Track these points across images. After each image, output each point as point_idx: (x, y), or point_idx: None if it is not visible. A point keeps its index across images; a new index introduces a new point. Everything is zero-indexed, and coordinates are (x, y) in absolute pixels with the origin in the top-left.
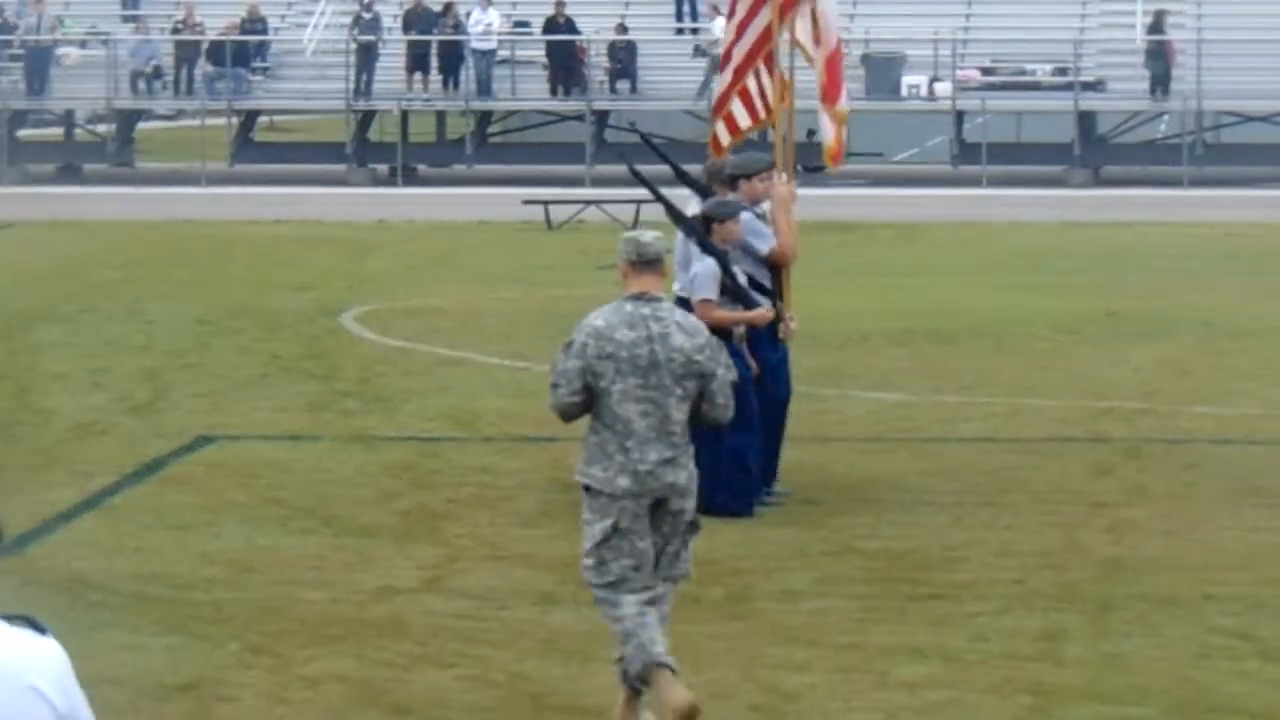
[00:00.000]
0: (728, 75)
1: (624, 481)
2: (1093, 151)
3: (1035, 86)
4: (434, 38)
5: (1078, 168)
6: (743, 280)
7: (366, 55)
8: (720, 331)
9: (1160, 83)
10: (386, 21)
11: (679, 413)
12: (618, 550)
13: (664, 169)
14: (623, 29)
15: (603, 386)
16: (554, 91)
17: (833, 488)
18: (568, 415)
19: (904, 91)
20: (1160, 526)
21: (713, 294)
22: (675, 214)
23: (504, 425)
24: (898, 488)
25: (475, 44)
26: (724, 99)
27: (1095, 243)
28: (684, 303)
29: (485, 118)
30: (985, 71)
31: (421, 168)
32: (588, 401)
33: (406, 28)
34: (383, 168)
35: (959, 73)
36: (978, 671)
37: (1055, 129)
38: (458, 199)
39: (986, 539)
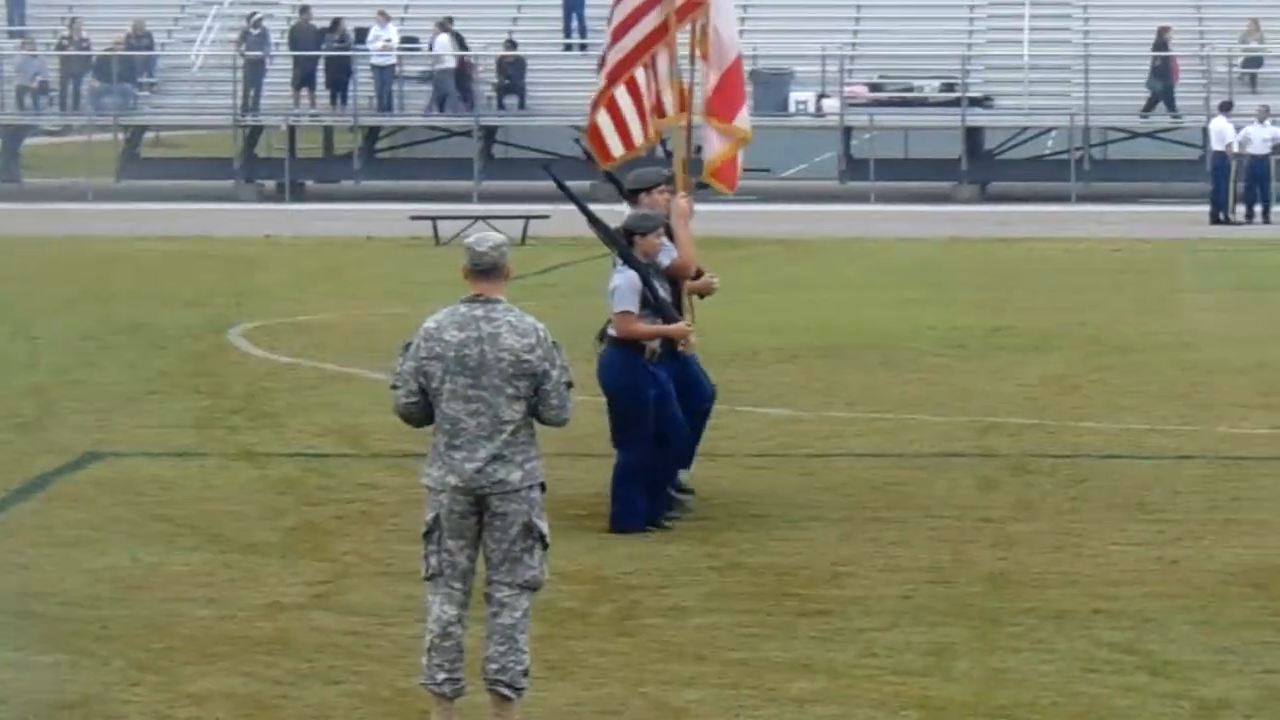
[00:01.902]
0: (601, 80)
1: (452, 479)
2: (980, 167)
3: (923, 102)
4: (322, 53)
5: (965, 183)
6: (663, 294)
7: (254, 71)
8: (635, 345)
9: (1162, 98)
10: (274, 37)
11: (511, 412)
12: (436, 544)
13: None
14: (511, 45)
15: (434, 387)
16: (441, 107)
17: (720, 504)
18: (409, 417)
19: (792, 107)
20: (1048, 541)
21: (633, 306)
22: (598, 226)
23: (391, 441)
24: (785, 504)
25: (374, 59)
26: (597, 103)
27: (982, 258)
28: None
29: (373, 133)
30: (873, 88)
31: (309, 183)
32: (425, 404)
33: (293, 44)
34: (270, 183)
35: (847, 89)
36: (865, 687)
37: (943, 145)
38: (346, 214)
39: (874, 554)
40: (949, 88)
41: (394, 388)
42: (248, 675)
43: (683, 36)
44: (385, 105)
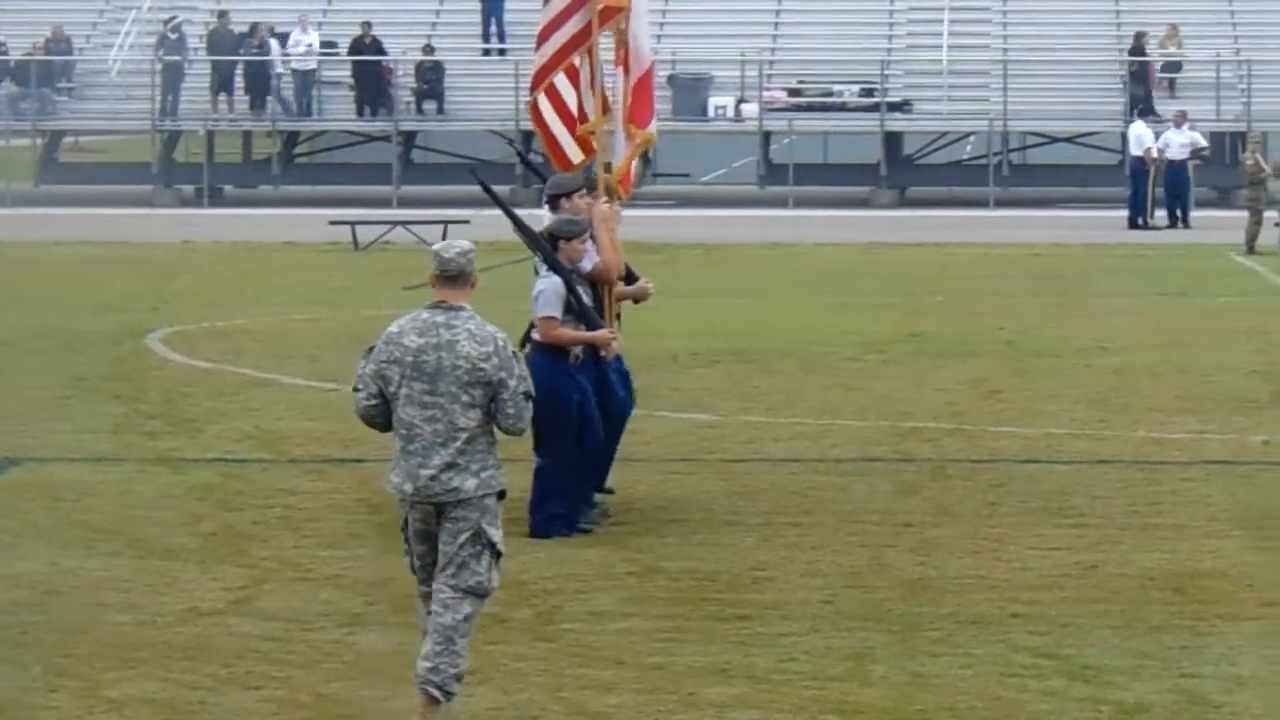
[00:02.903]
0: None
1: (408, 486)
2: (899, 172)
3: (842, 107)
4: (241, 58)
5: (884, 188)
6: (587, 300)
7: (172, 76)
8: (558, 350)
9: (1139, 104)
10: (192, 42)
11: (466, 419)
12: (409, 545)
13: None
14: (430, 50)
15: (391, 391)
16: (360, 112)
17: (639, 509)
18: (368, 420)
19: (711, 112)
20: (966, 546)
21: (556, 312)
22: (524, 231)
23: (311, 447)
24: (704, 508)
25: (295, 65)
26: (535, 111)
27: (901, 263)
28: None
29: (292, 138)
30: (792, 93)
31: (228, 188)
32: (385, 408)
33: (212, 48)
34: (189, 188)
35: (766, 94)
36: (784, 692)
37: (862, 150)
38: (264, 220)
39: (793, 559)
40: (868, 93)
41: (355, 390)
42: (166, 681)
43: (605, 41)
44: (305, 110)
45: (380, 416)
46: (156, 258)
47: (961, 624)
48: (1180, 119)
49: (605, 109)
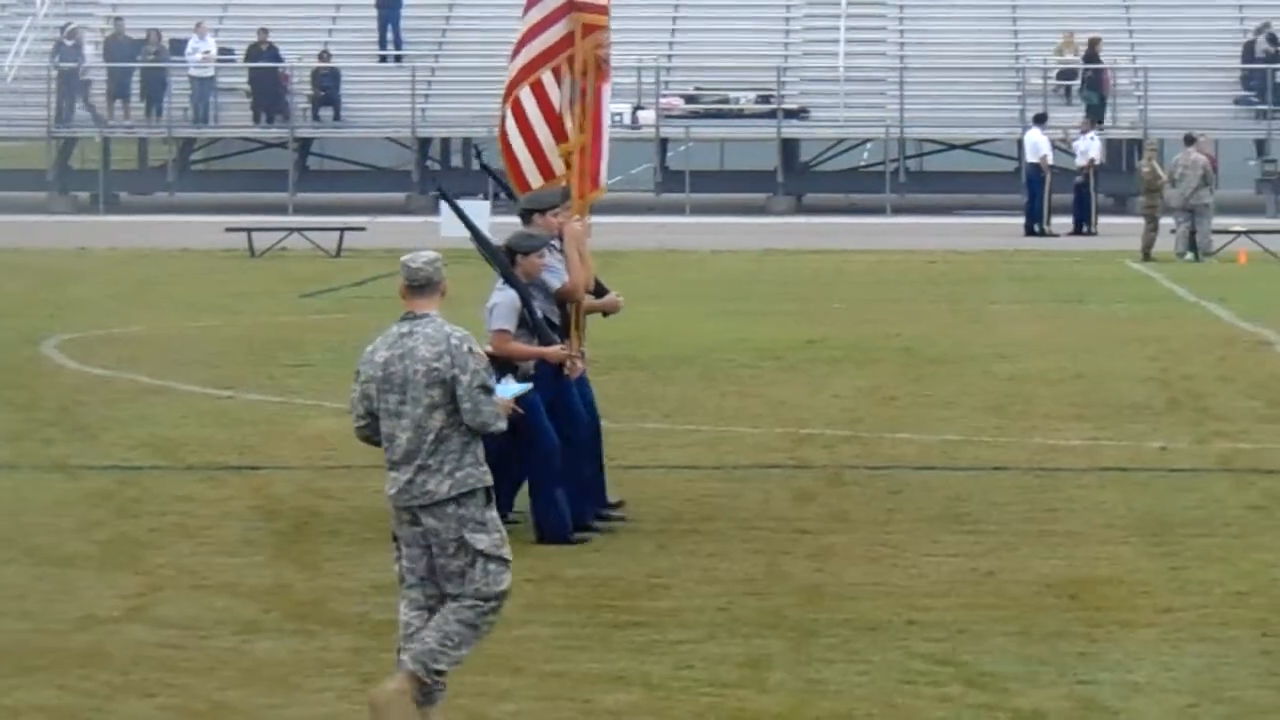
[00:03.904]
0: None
1: (391, 491)
2: (796, 179)
3: (739, 114)
4: (138, 64)
5: (780, 195)
6: (541, 315)
7: (68, 82)
8: (508, 365)
9: (1095, 113)
10: (88, 49)
11: (433, 421)
12: (397, 553)
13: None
14: (326, 56)
15: (377, 408)
16: (257, 119)
17: None
18: (366, 441)
19: (607, 119)
20: (863, 553)
21: (510, 325)
22: (481, 242)
23: (206, 454)
24: (602, 515)
25: (193, 71)
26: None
27: (798, 270)
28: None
29: (188, 145)
30: (689, 99)
31: (124, 195)
32: (377, 426)
33: (108, 55)
34: (84, 195)
35: (662, 101)
36: (681, 699)
37: (759, 157)
38: (160, 227)
39: (690, 566)
40: (765, 99)
41: (352, 414)
42: (62, 688)
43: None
44: (201, 117)
45: (375, 435)
46: (52, 264)
47: (858, 631)
48: (1085, 126)
49: (582, 126)
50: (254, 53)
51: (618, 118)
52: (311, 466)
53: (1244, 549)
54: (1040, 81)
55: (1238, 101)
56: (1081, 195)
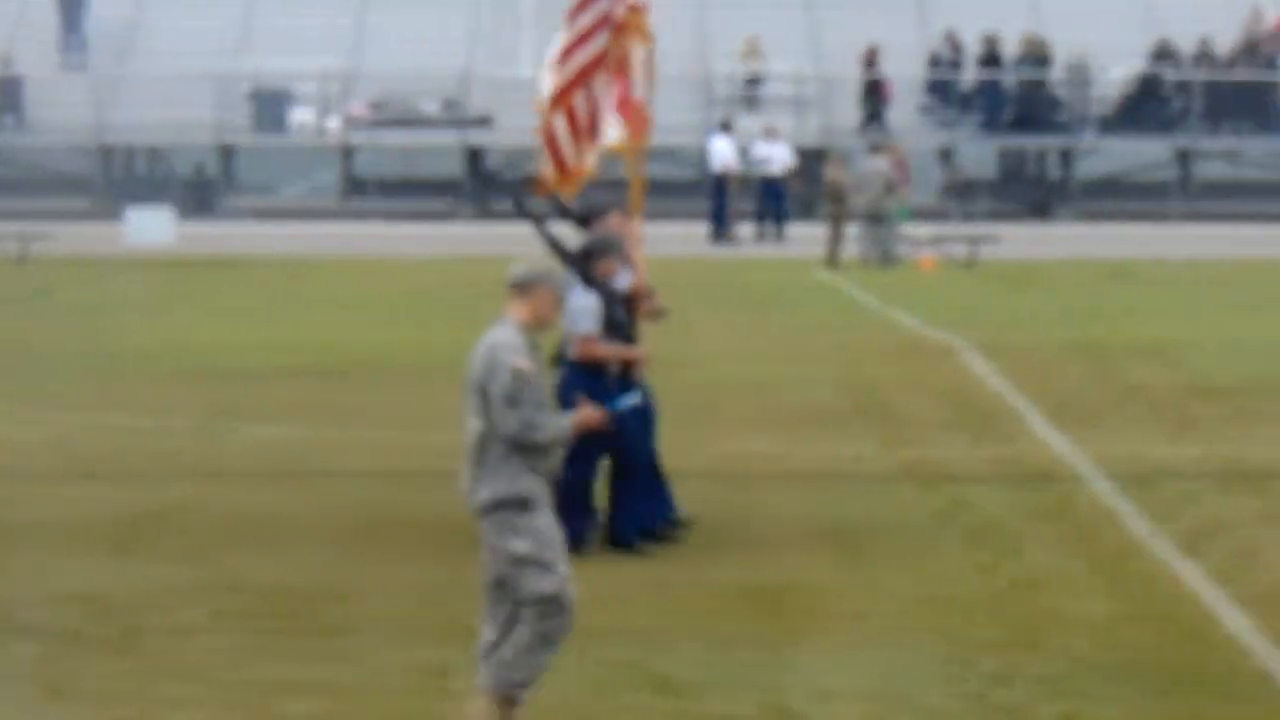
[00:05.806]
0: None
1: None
2: (482, 187)
3: (425, 123)
4: None
5: (466, 203)
6: (622, 317)
7: None
8: (598, 368)
9: (874, 120)
10: None
11: (475, 425)
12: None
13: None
14: (7, 61)
15: None
16: None
17: (223, 524)
18: None
19: (292, 127)
20: None
21: (596, 329)
22: (557, 248)
23: None
24: (286, 522)
25: None
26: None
27: (481, 276)
28: None
29: None
30: (375, 107)
31: None
32: None
33: None
34: None
35: (348, 108)
36: (367, 705)
37: (444, 165)
38: None
39: (375, 573)
40: (450, 107)
41: None
42: None
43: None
44: None
45: None
46: None
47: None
48: (771, 133)
49: (639, 129)
50: None
51: (303, 125)
52: None
53: (930, 555)
54: (724, 89)
55: (921, 110)
56: (771, 202)
